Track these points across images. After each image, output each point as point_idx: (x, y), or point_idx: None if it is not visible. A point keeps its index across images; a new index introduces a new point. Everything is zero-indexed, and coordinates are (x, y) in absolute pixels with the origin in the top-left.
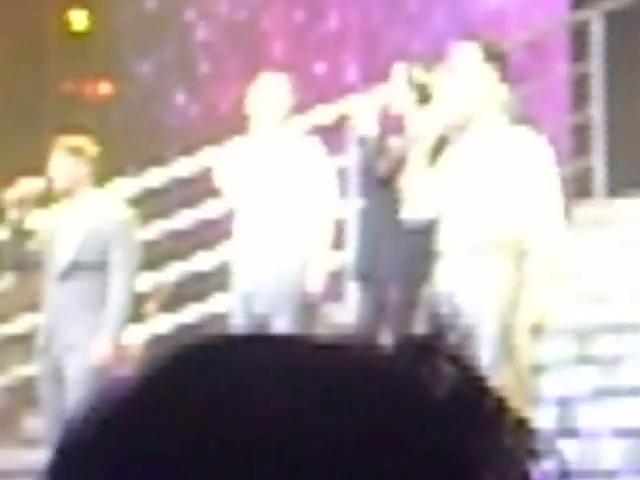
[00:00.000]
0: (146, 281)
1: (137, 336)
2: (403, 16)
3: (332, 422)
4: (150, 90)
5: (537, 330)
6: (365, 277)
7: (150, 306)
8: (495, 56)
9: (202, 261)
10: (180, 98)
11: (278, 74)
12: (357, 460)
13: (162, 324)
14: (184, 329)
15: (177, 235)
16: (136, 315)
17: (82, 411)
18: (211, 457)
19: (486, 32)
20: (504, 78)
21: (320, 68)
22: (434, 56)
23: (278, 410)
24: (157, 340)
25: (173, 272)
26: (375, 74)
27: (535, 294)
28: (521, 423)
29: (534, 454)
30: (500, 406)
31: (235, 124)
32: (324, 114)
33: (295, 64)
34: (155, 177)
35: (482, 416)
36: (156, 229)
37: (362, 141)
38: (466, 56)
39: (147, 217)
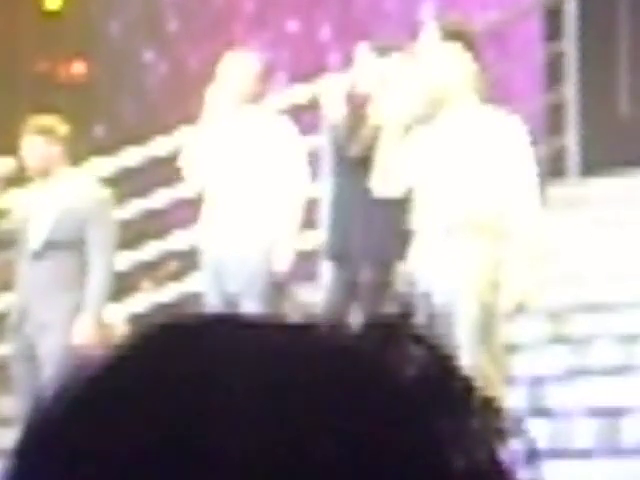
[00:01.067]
0: (124, 260)
1: (117, 315)
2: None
3: (296, 404)
4: (119, 50)
5: (517, 310)
6: (337, 257)
7: (148, 282)
8: (456, 35)
9: (178, 240)
10: (149, 56)
11: (246, 52)
12: (321, 442)
13: (141, 303)
14: (162, 308)
15: (154, 214)
16: (115, 293)
17: (52, 389)
18: (176, 440)
19: (454, 12)
20: (474, 58)
21: (293, 26)
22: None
23: (244, 392)
24: (136, 319)
25: (150, 251)
26: (348, 33)
27: (514, 274)
28: (489, 403)
29: (502, 434)
30: (468, 387)
31: (205, 81)
32: (298, 93)
33: (267, 22)
34: (132, 156)
35: (449, 397)
36: (133, 208)
37: (332, 124)
38: (427, 36)
39: (124, 196)
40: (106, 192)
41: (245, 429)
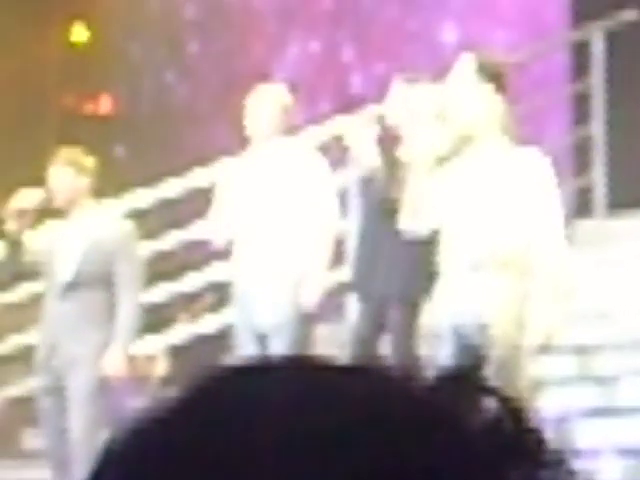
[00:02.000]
0: (163, 292)
1: (156, 347)
2: None
3: (374, 451)
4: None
5: (543, 348)
6: (365, 293)
7: (186, 314)
8: (491, 76)
9: (217, 271)
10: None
11: (276, 85)
12: None
13: (179, 335)
14: (200, 340)
15: (192, 245)
16: (154, 325)
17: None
18: None
19: (483, 45)
20: (503, 95)
21: (315, 46)
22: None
23: (323, 439)
24: (174, 351)
25: (189, 282)
26: (370, 52)
27: (540, 311)
28: (560, 456)
29: None
30: (539, 439)
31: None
32: (323, 130)
33: (289, 42)
34: (170, 188)
35: (521, 449)
36: (172, 239)
37: (367, 168)
38: (460, 71)
39: (162, 227)
40: (131, 225)
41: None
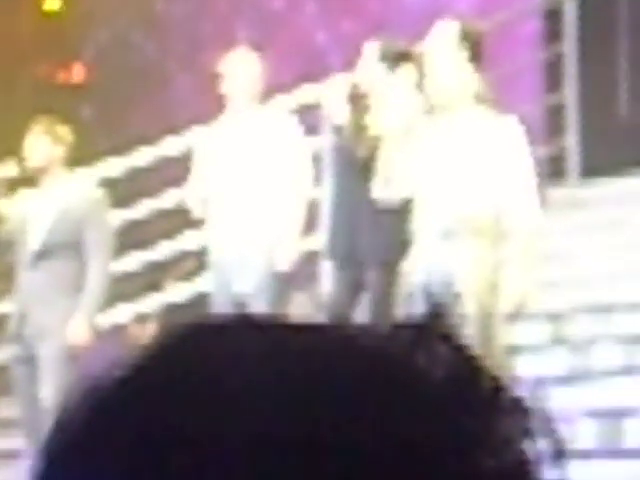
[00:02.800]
0: (133, 260)
1: (130, 314)
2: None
3: (322, 401)
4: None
5: (516, 312)
6: (342, 258)
7: (171, 276)
8: (472, 38)
9: (189, 240)
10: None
11: (248, 52)
12: (348, 439)
13: (147, 303)
14: (175, 308)
15: (164, 214)
16: (118, 295)
17: (79, 389)
18: (199, 442)
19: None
20: (478, 61)
21: (278, 3)
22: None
23: (262, 396)
24: (147, 318)
25: (161, 251)
26: (334, 9)
27: (513, 276)
28: (518, 403)
29: (530, 434)
30: (496, 387)
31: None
32: (300, 94)
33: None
34: (139, 157)
35: (478, 397)
36: (142, 209)
37: (336, 126)
38: (444, 35)
39: (133, 196)
40: (101, 192)
41: (262, 436)
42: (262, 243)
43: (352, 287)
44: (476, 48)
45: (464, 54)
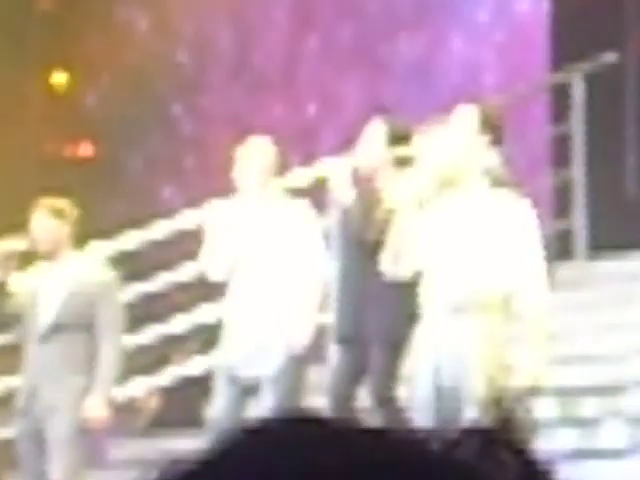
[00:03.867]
0: (152, 333)
1: (145, 388)
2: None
3: None
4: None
5: (530, 393)
6: (347, 339)
7: (180, 352)
8: (492, 121)
9: (180, 322)
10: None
11: (263, 137)
12: None
13: (168, 377)
14: (190, 382)
15: (153, 297)
16: (144, 367)
17: None
18: None
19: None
20: (496, 142)
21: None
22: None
23: None
24: (164, 393)
25: (179, 324)
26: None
27: (526, 356)
28: None
29: None
30: None
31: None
32: (301, 176)
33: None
34: (132, 240)
35: None
36: (133, 290)
37: (343, 208)
38: (464, 118)
39: (125, 278)
40: (112, 274)
41: None
42: (279, 327)
43: (355, 369)
44: (496, 132)
45: (484, 137)
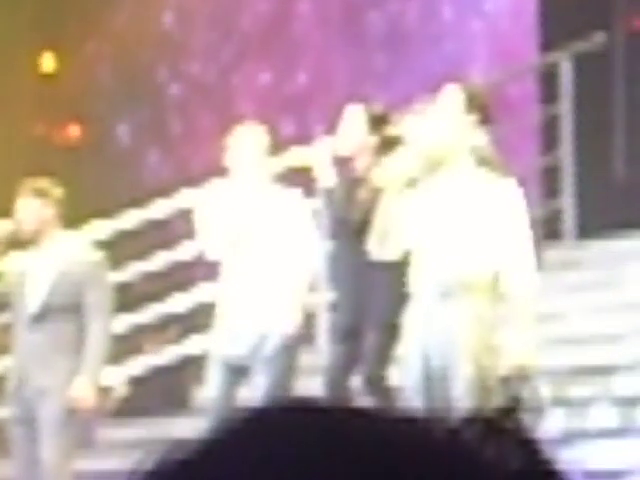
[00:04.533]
0: (122, 323)
1: (116, 377)
2: (369, 73)
3: None
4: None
5: (518, 374)
6: (346, 330)
7: (150, 344)
8: (478, 102)
9: (177, 302)
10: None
11: (254, 126)
12: None
13: (138, 365)
14: (160, 370)
15: (152, 277)
16: (116, 356)
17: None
18: None
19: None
20: (486, 124)
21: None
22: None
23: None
24: (134, 381)
25: (151, 314)
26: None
27: (514, 337)
28: None
29: None
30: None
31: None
32: (291, 157)
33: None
34: (129, 219)
35: None
36: (131, 271)
37: (326, 189)
38: (450, 98)
39: (122, 259)
40: (100, 255)
41: None
42: (272, 310)
43: (350, 352)
44: (483, 111)
45: (471, 117)
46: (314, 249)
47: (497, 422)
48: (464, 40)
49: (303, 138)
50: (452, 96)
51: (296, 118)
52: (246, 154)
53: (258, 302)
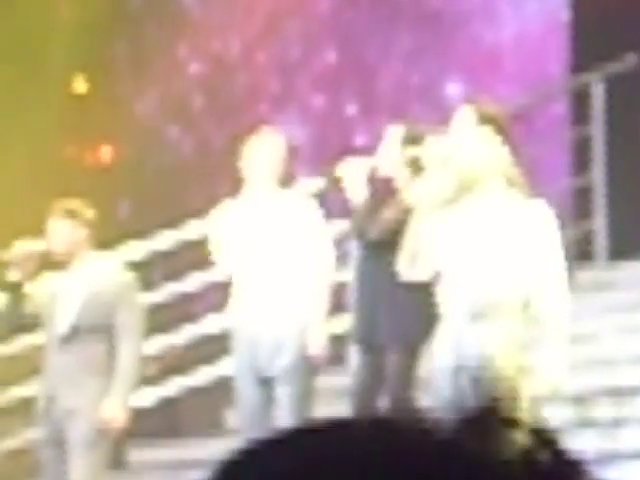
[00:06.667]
0: (152, 344)
1: (143, 399)
2: (399, 53)
3: None
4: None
5: (551, 396)
6: (363, 341)
7: (152, 367)
8: (487, 119)
9: (210, 324)
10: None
11: (273, 133)
12: None
13: (173, 387)
14: (194, 391)
15: (187, 297)
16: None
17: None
18: None
19: (482, 92)
20: (508, 145)
21: (318, 102)
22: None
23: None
24: (168, 402)
25: (181, 335)
26: (374, 108)
27: (547, 359)
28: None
29: None
30: (577, 469)
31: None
32: (325, 177)
33: (292, 98)
34: (163, 240)
35: (558, 478)
36: (165, 291)
37: (354, 208)
38: (460, 119)
39: (156, 279)
40: (131, 276)
41: None
42: (290, 326)
43: (374, 370)
44: (500, 129)
45: (487, 134)
46: (331, 258)
47: (491, 415)
48: (499, 65)
49: (334, 112)
50: (464, 115)
51: (328, 90)
52: (262, 163)
53: (277, 316)
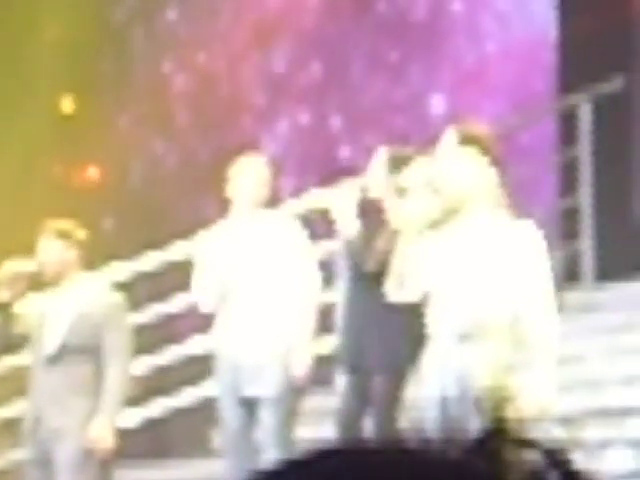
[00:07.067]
0: (137, 365)
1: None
2: (384, 67)
3: None
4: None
5: (538, 417)
6: (351, 364)
7: (136, 388)
8: (472, 140)
9: (194, 345)
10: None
11: (257, 156)
12: None
13: (159, 408)
14: (179, 412)
15: (171, 318)
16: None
17: None
18: None
19: (469, 114)
20: (491, 162)
21: (303, 118)
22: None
23: None
24: (149, 423)
25: (165, 356)
26: (359, 123)
27: (534, 381)
28: None
29: None
30: None
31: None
32: (311, 200)
33: (278, 113)
34: (148, 260)
35: None
36: (150, 312)
37: (346, 239)
38: (448, 141)
39: (141, 300)
40: (120, 297)
41: None
42: (274, 347)
43: (361, 394)
44: (486, 151)
45: (475, 158)
46: (316, 281)
47: (501, 436)
48: (484, 83)
49: (318, 127)
50: (448, 138)
51: (312, 108)
52: (247, 187)
53: (261, 339)
